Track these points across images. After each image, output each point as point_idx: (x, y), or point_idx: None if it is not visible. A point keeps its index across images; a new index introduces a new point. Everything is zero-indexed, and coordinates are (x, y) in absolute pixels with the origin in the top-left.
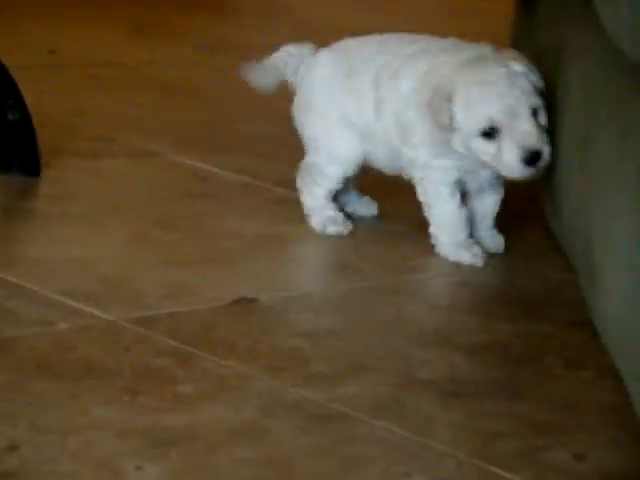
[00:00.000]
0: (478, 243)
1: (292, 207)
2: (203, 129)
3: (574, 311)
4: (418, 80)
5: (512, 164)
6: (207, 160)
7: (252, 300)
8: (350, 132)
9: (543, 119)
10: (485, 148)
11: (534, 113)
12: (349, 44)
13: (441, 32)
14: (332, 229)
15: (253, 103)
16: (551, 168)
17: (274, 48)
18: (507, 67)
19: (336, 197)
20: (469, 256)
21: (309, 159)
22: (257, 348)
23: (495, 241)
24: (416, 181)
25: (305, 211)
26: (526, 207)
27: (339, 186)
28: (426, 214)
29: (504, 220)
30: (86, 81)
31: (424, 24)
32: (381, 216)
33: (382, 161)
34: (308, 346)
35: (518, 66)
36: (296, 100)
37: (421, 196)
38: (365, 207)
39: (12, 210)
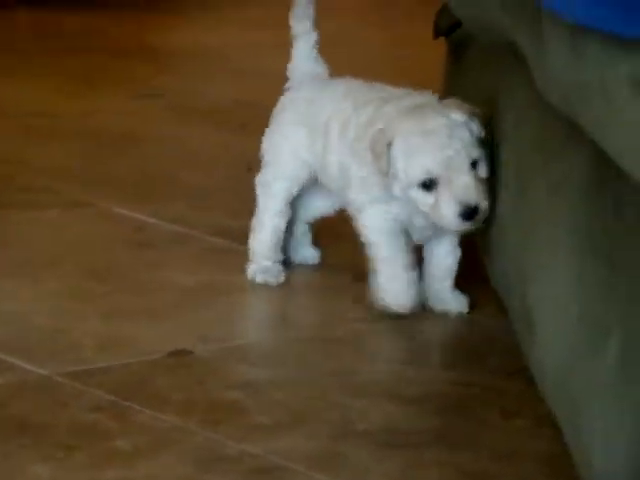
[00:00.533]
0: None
1: (229, 257)
2: (139, 178)
3: (511, 359)
4: (360, 129)
5: (449, 218)
6: (143, 210)
7: (188, 352)
8: (299, 160)
9: (483, 171)
10: (423, 199)
11: (474, 165)
12: (321, 83)
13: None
14: (261, 278)
15: (190, 152)
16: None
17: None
18: (447, 117)
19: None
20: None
21: (259, 178)
22: (194, 400)
23: (459, 301)
24: (356, 223)
25: (249, 257)
26: (462, 256)
27: (285, 211)
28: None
29: None
30: (20, 131)
31: (362, 65)
32: (323, 264)
33: (330, 187)
34: (246, 398)
35: (459, 115)
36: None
37: (362, 237)
38: (308, 254)
39: None
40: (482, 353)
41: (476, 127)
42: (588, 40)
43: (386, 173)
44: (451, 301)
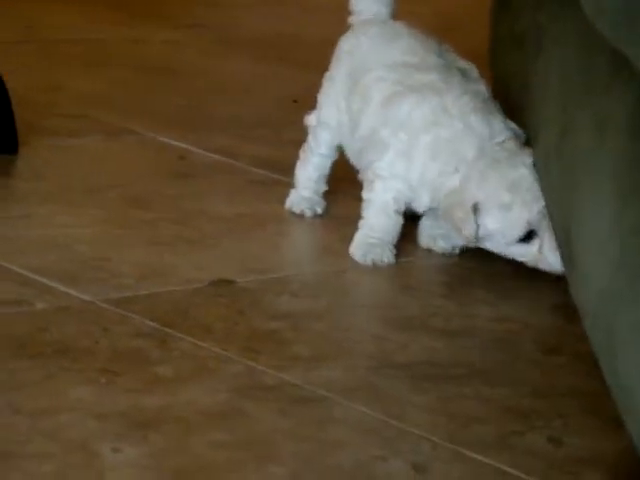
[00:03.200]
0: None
1: (272, 188)
2: (182, 108)
3: (552, 294)
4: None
5: (557, 262)
6: (185, 139)
7: (230, 282)
8: (341, 112)
9: None
10: (526, 251)
11: None
12: (379, 34)
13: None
14: (297, 208)
15: (234, 84)
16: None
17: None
18: (524, 164)
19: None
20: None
21: (309, 117)
22: (235, 330)
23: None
24: (366, 182)
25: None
26: None
27: (330, 154)
28: (362, 211)
29: None
30: (61, 58)
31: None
32: None
33: (352, 149)
34: (286, 328)
35: (527, 157)
36: None
37: (365, 194)
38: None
39: None
40: (523, 288)
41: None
42: None
43: (473, 237)
44: (439, 239)
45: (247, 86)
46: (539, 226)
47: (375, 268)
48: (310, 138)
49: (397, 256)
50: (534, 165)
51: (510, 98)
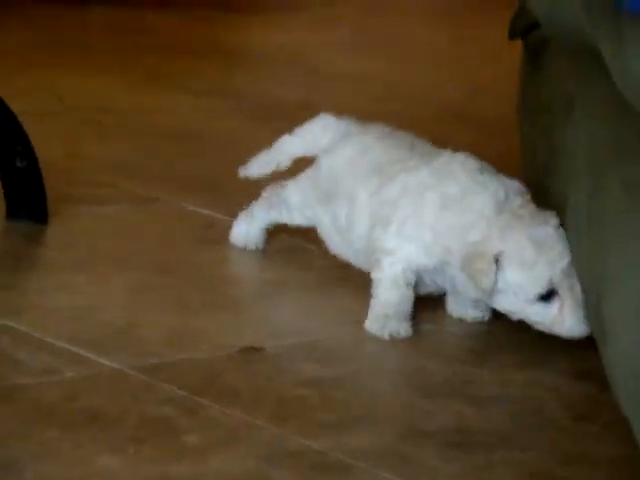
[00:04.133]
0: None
1: (297, 254)
2: (207, 175)
3: (579, 361)
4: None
5: (577, 324)
6: (210, 206)
7: (258, 349)
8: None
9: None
10: (544, 312)
11: None
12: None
13: (446, 78)
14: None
15: (256, 148)
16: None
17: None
18: (550, 224)
19: None
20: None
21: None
22: (262, 397)
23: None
24: (374, 263)
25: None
26: None
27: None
28: (373, 290)
29: None
30: (85, 126)
31: (430, 66)
32: None
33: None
34: (313, 395)
35: (553, 219)
36: None
37: (373, 274)
38: None
39: (20, 257)
40: (550, 354)
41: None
42: None
43: (490, 290)
44: (469, 308)
45: None
46: (561, 285)
47: (399, 336)
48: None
49: (424, 323)
50: (561, 226)
51: (537, 163)
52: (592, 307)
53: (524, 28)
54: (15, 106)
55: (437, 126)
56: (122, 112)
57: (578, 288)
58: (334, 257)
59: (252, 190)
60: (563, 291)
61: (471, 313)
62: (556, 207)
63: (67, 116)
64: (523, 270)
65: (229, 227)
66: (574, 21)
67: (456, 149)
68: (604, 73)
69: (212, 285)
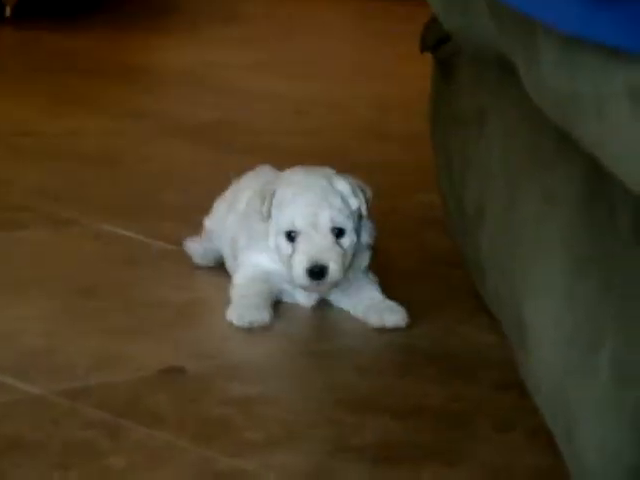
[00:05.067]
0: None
1: (219, 274)
2: (126, 197)
3: (503, 372)
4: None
5: (298, 271)
6: (130, 228)
7: (180, 369)
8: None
9: (347, 243)
10: (285, 248)
11: (339, 233)
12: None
13: (360, 95)
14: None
15: (175, 171)
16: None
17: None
18: (329, 182)
19: None
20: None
21: None
22: (187, 417)
23: (395, 312)
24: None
25: None
26: (450, 271)
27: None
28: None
29: (428, 281)
30: (2, 150)
31: (344, 84)
32: None
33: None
34: (238, 414)
35: (342, 186)
36: None
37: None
38: None
39: None
40: (474, 367)
41: (356, 202)
42: (583, 51)
43: (266, 217)
44: (385, 314)
45: (189, 173)
46: (302, 232)
47: (326, 351)
48: None
49: (344, 337)
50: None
51: (451, 176)
52: (513, 317)
53: (435, 41)
54: None
55: (354, 141)
56: (38, 135)
57: (317, 242)
58: None
59: (172, 213)
60: (301, 238)
61: (388, 318)
62: (472, 218)
63: None
64: (279, 206)
65: (148, 248)
66: (484, 33)
67: (372, 164)
68: (516, 84)
69: (133, 307)
